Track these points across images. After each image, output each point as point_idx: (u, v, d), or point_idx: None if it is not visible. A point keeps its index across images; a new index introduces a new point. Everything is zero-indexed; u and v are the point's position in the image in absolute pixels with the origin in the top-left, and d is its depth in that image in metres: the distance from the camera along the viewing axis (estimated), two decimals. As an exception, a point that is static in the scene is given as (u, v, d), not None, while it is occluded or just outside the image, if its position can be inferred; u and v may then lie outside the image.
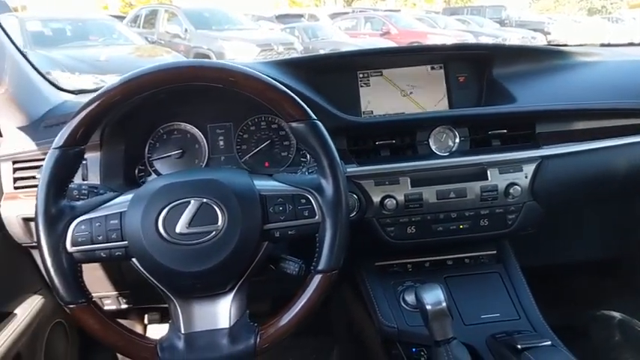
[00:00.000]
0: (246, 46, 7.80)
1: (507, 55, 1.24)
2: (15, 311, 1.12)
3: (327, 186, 0.81)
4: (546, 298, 1.12)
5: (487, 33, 11.65)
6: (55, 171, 0.78)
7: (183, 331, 0.80)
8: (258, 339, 0.80)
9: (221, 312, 0.82)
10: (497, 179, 1.10)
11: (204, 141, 1.18)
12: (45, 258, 0.77)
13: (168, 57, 6.43)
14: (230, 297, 0.82)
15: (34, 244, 1.14)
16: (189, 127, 1.18)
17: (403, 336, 1.07)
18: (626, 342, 1.79)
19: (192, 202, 0.77)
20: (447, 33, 11.04)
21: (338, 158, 0.82)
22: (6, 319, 1.08)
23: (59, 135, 0.78)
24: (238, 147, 1.19)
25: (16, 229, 1.11)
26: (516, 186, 1.10)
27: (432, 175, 1.10)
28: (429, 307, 0.90)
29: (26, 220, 1.10)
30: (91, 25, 7.12)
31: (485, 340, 1.01)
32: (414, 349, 1.04)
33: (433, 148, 1.14)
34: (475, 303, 1.11)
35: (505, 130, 1.15)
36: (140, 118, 1.11)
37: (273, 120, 1.20)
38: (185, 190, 0.78)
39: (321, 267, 0.81)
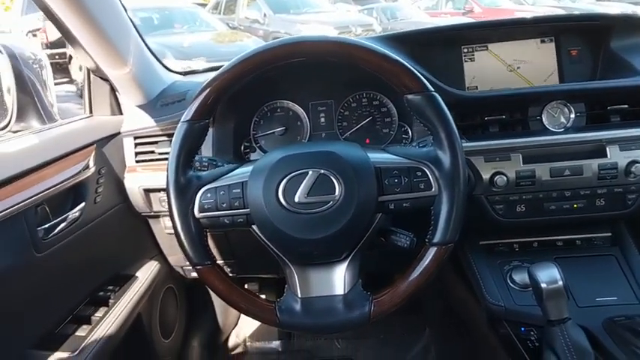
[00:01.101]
0: (323, 29, 7.79)
1: (630, 26, 1.15)
2: (136, 274, 1.22)
3: (445, 158, 0.80)
4: None
5: (581, 8, 10.78)
6: (185, 143, 0.83)
7: (300, 296, 0.84)
8: (372, 307, 0.82)
9: (336, 279, 0.84)
10: (617, 157, 1.04)
11: (306, 118, 1.21)
12: (176, 223, 0.83)
13: (248, 42, 6.58)
14: (344, 265, 0.84)
15: (152, 213, 1.24)
16: (291, 104, 1.22)
17: (511, 315, 1.05)
18: None
19: (310, 172, 0.80)
20: (537, 10, 10.30)
21: (456, 130, 0.81)
22: (129, 281, 1.18)
23: (188, 109, 0.83)
24: (339, 124, 1.20)
25: (137, 199, 1.20)
26: (639, 164, 1.03)
27: (546, 151, 1.05)
28: (544, 285, 0.88)
29: (147, 190, 1.19)
30: (176, 14, 7.44)
31: (602, 323, 0.96)
32: (522, 329, 1.02)
33: (546, 123, 1.10)
34: (589, 285, 1.06)
35: (626, 105, 1.08)
36: (248, 96, 1.16)
37: (375, 96, 1.20)
38: (303, 162, 0.81)
39: (437, 240, 0.81)
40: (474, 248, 1.18)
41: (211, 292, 1.72)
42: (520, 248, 1.17)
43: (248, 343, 1.87)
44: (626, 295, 1.04)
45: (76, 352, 0.92)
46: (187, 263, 1.41)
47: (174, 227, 0.84)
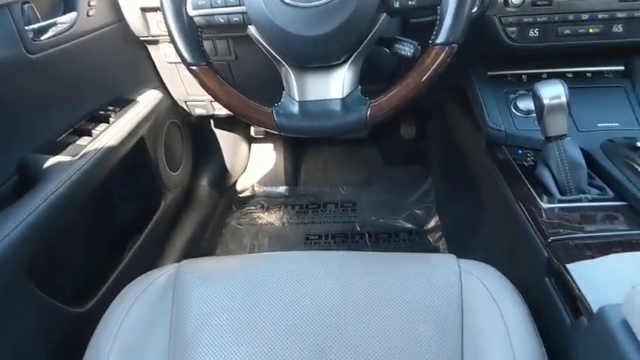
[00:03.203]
0: None
1: None
2: (138, 99, 1.22)
3: None
4: None
5: None
6: None
7: (297, 99, 0.83)
8: (369, 110, 0.81)
9: (334, 83, 0.83)
10: None
11: None
12: (168, 21, 0.80)
13: None
14: (344, 69, 0.82)
15: (150, 37, 1.20)
16: None
17: (510, 139, 1.04)
18: None
19: None
20: None
21: None
22: (130, 104, 1.18)
23: None
24: None
25: (133, 18, 1.16)
26: None
27: None
28: (546, 100, 0.85)
29: (143, 10, 1.14)
30: None
31: (600, 145, 0.95)
32: (520, 151, 1.02)
33: None
34: (592, 113, 1.03)
35: None
36: None
37: None
38: None
39: (440, 40, 0.78)
40: (481, 77, 1.15)
41: (219, 137, 1.77)
42: (528, 79, 1.14)
43: (256, 188, 1.94)
44: (630, 121, 1.02)
45: (77, 157, 0.95)
46: (191, 97, 1.43)
47: (167, 26, 0.81)
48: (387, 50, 0.88)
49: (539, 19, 1.01)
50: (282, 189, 1.92)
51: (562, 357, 0.70)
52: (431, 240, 1.59)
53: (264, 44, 0.82)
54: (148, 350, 0.71)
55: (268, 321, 0.70)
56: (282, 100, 0.85)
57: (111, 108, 1.12)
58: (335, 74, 0.82)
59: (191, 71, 0.83)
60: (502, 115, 1.08)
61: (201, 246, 1.57)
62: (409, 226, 1.67)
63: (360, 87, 0.85)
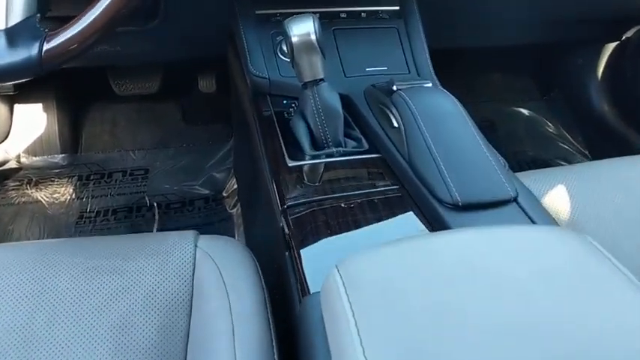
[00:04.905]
0: None
1: None
2: None
3: None
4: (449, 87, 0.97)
5: None
6: None
7: None
8: (44, 46, 0.59)
9: None
10: None
11: None
12: None
13: None
14: None
15: None
16: None
17: (275, 88, 0.91)
18: (528, 135, 1.78)
19: None
20: None
21: None
22: None
23: None
24: None
25: None
26: None
27: None
28: (294, 38, 0.72)
29: None
30: None
31: (364, 91, 0.86)
32: (285, 101, 0.89)
33: None
34: (363, 56, 0.94)
35: None
36: None
37: None
38: None
39: None
40: (247, 18, 0.98)
41: None
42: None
43: (23, 159, 1.58)
44: (398, 64, 0.94)
45: None
46: None
47: None
48: None
49: (300, -56, 0.87)
50: (57, 158, 1.59)
51: (290, 341, 0.59)
52: (227, 207, 1.43)
53: None
54: None
55: None
56: None
57: None
58: None
59: None
60: (267, 61, 0.93)
61: None
62: (206, 192, 1.49)
63: (39, 15, 0.61)
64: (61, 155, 1.60)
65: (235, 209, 1.40)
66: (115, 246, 0.66)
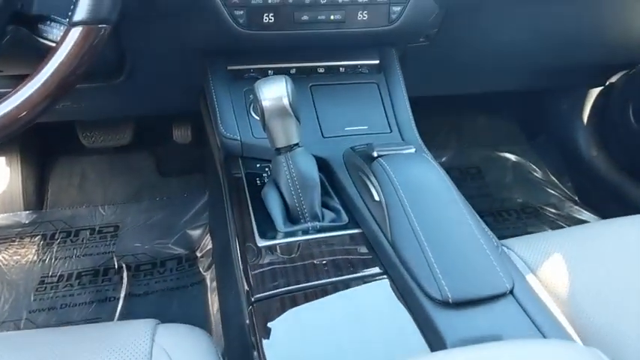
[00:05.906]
0: None
1: None
2: None
3: None
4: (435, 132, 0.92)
5: None
6: None
7: None
8: None
9: None
10: None
11: None
12: None
13: None
14: None
15: None
16: None
17: (247, 150, 0.84)
18: (516, 181, 1.73)
19: None
20: None
21: None
22: None
23: None
24: None
25: None
26: None
27: None
28: (265, 102, 0.66)
29: None
30: None
31: (343, 154, 0.79)
32: (258, 165, 0.82)
33: None
34: (341, 114, 0.88)
35: None
36: None
37: None
38: None
39: (78, 17, 0.52)
40: (220, 74, 0.92)
41: None
42: (276, 74, 0.94)
43: (-18, 217, 1.48)
44: (379, 123, 0.88)
45: None
46: None
47: None
48: (28, 31, 0.59)
49: (270, 2, 0.81)
50: (20, 216, 1.49)
51: None
52: (201, 268, 1.33)
53: None
54: None
55: None
56: None
57: None
58: None
59: None
60: (239, 121, 0.86)
61: None
62: (180, 251, 1.39)
63: None
64: (24, 212, 1.50)
65: (209, 271, 1.30)
66: (66, 341, 0.59)
